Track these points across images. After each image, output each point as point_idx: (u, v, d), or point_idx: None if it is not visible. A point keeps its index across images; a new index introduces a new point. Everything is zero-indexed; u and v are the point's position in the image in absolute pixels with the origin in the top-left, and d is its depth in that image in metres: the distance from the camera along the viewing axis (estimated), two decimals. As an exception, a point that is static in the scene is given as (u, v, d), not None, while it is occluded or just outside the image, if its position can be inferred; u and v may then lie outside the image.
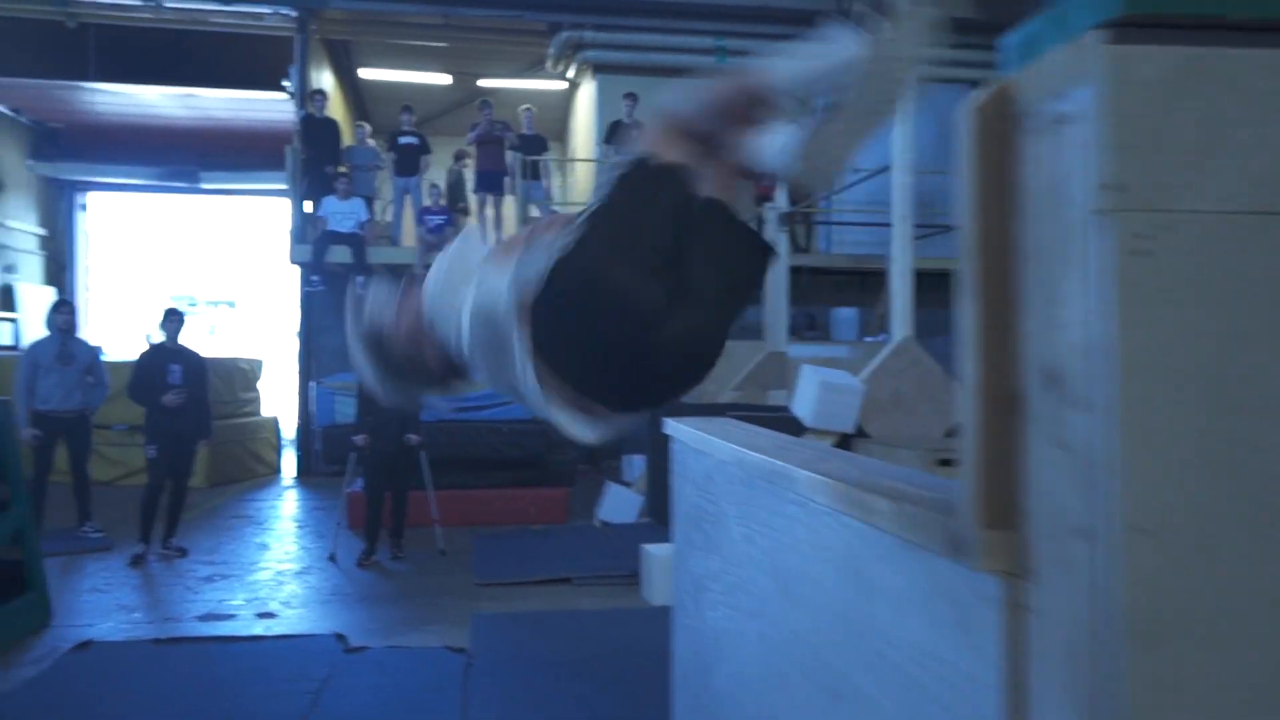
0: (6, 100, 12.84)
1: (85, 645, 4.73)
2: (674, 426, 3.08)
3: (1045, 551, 0.96)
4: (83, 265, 15.04)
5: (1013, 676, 1.01)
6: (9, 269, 13.07)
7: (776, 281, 8.83)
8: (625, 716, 4.03)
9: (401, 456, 6.85)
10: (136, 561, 6.51)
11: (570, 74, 13.71)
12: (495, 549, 7.05)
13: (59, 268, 14.35)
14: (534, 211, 11.61)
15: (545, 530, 7.88)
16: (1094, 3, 0.92)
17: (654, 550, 5.82)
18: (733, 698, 2.33)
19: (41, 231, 14.02)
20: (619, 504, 8.24)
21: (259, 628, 5.17)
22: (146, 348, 6.99)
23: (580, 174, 12.15)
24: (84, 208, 15.11)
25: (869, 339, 11.26)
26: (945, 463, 5.11)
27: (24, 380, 6.78)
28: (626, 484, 9.28)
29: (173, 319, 6.82)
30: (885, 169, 8.24)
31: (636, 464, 10.44)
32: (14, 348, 11.88)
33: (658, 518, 7.97)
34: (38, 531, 5.50)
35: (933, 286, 8.04)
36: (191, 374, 6.76)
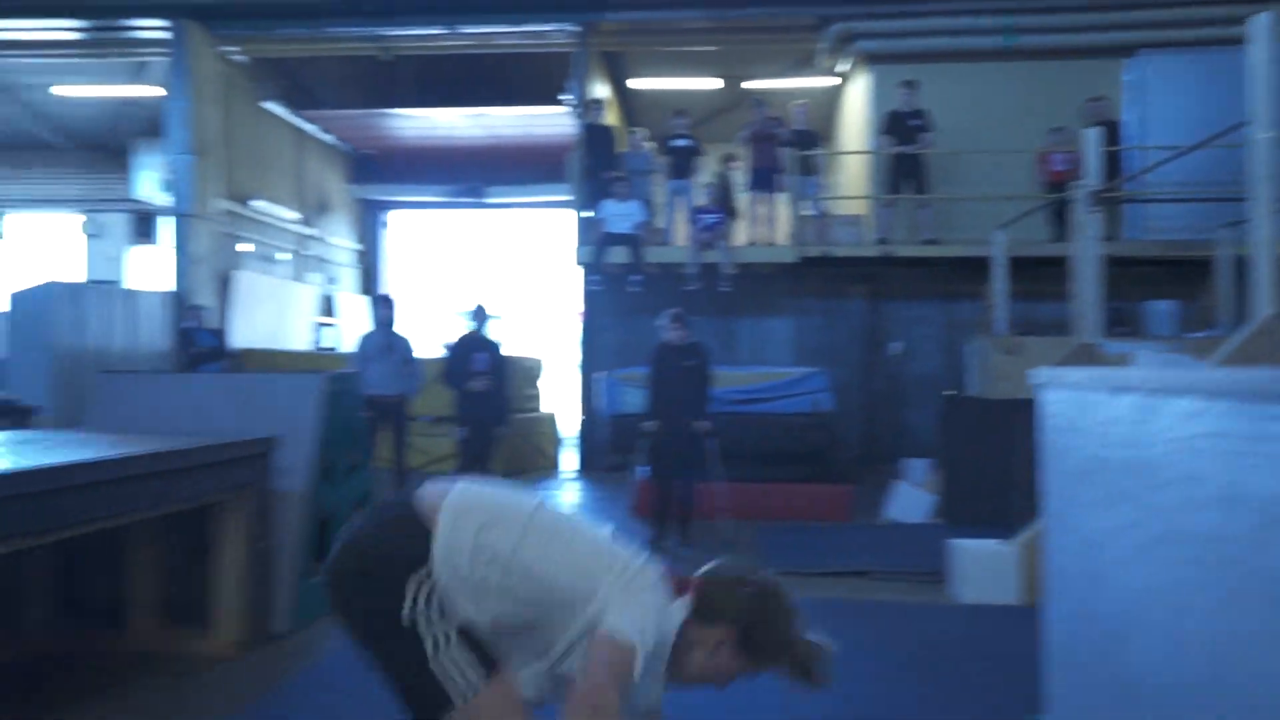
0: (334, 130, 14.45)
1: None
2: (1057, 374, 2.73)
3: None
4: (386, 277, 16.63)
5: None
6: (332, 280, 14.67)
7: (1086, 267, 7.97)
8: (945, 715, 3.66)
9: (690, 444, 6.82)
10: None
11: (842, 68, 13.36)
12: (783, 542, 6.84)
13: (369, 279, 15.95)
14: (807, 209, 11.39)
15: (832, 526, 7.56)
16: None
17: (966, 544, 5.36)
18: (1170, 663, 1.95)
19: (358, 247, 15.65)
20: (909, 503, 7.78)
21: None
22: (458, 338, 7.47)
23: (852, 169, 11.77)
24: (385, 225, 16.72)
25: (1193, 335, 9.94)
26: None
27: (357, 367, 7.47)
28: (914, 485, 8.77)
29: (481, 313, 7.24)
30: (1213, 139, 7.15)
31: (916, 467, 9.86)
32: (334, 350, 13.28)
33: (952, 518, 7.43)
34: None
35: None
36: (496, 363, 7.14)
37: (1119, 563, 2.23)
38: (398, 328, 7.90)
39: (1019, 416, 6.74)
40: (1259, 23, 5.30)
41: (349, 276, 15.48)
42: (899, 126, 11.24)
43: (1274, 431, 1.57)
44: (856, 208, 11.88)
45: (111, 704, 3.66)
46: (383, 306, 7.87)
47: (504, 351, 7.46)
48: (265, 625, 4.39)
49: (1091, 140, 8.13)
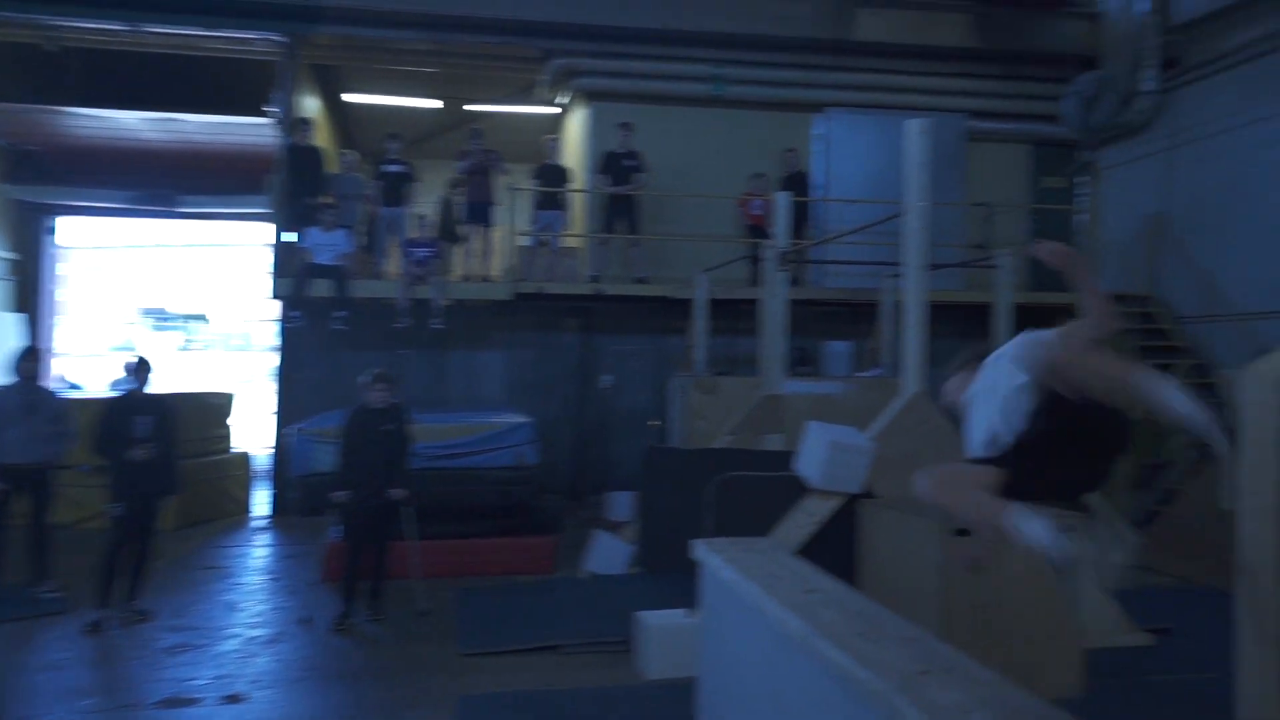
0: (-16, 122, 12.47)
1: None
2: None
3: None
4: (50, 289, 14.61)
5: None
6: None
7: (773, 319, 8.54)
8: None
9: (384, 510, 6.51)
10: (94, 629, 6.11)
11: (562, 100, 13.46)
12: (479, 609, 6.70)
13: (28, 294, 13.92)
14: (547, 242, 11.39)
15: (531, 584, 7.53)
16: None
17: (652, 619, 5.50)
18: None
19: (12, 256, 13.60)
20: (608, 554, 7.91)
21: (226, 718, 4.77)
22: (113, 397, 6.63)
23: (572, 203, 11.88)
24: (52, 231, 14.69)
25: (862, 374, 10.99)
26: (961, 533, 4.81)
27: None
28: (615, 525, 8.96)
29: (141, 368, 6.46)
30: (892, 206, 7.97)
31: (622, 500, 10.13)
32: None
33: (651, 566, 7.66)
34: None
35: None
36: (161, 426, 6.40)
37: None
38: (45, 381, 6.87)
39: (712, 466, 7.09)
40: (912, 126, 5.90)
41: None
42: (614, 166, 11.51)
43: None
44: (573, 243, 12.01)
45: None
46: (25, 360, 6.81)
47: (172, 408, 6.68)
48: None
49: (782, 202, 8.72)
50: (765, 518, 5.69)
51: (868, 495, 5.67)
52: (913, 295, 5.79)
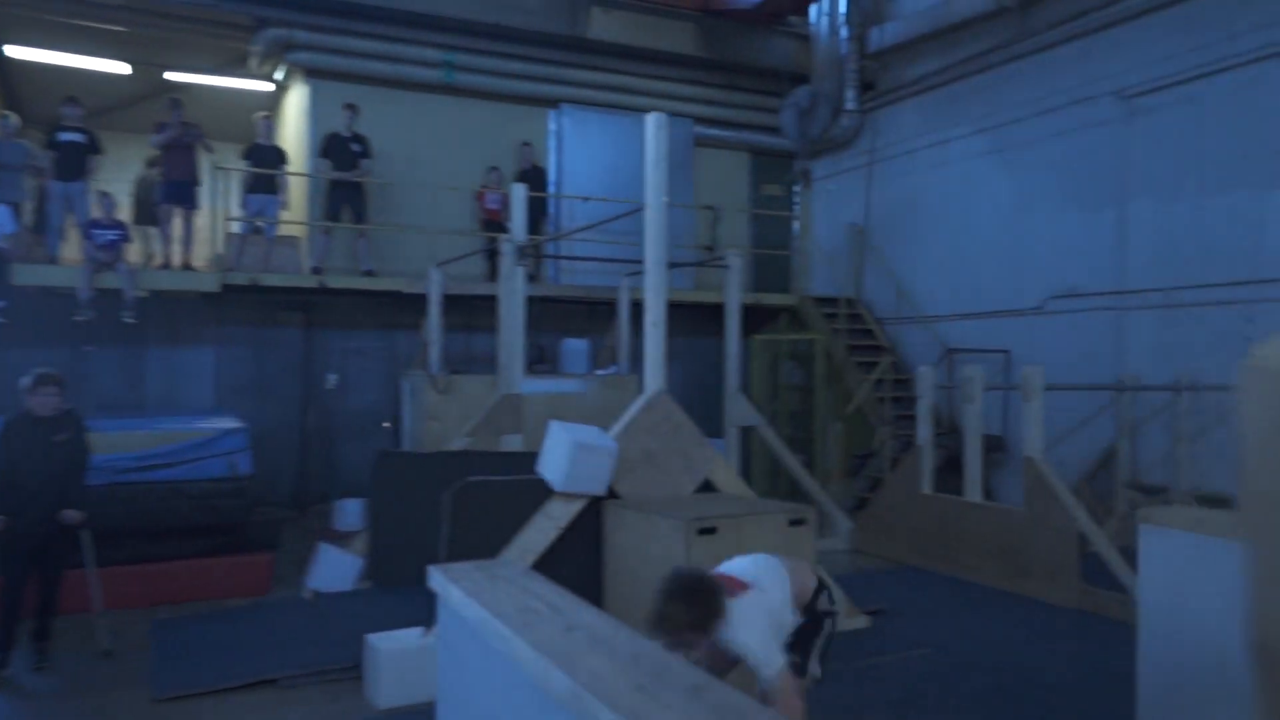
0: None
1: None
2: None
3: None
4: None
5: None
6: None
7: (511, 315, 8.28)
8: None
9: (54, 537, 5.51)
10: None
11: (278, 76, 12.35)
12: (178, 642, 5.87)
13: None
14: (260, 228, 10.33)
15: (243, 609, 6.75)
16: None
17: (382, 643, 5.04)
18: None
19: None
20: (333, 569, 7.28)
21: None
22: None
23: (291, 188, 10.88)
24: None
25: (600, 371, 11.03)
26: (706, 531, 4.83)
27: None
28: (342, 537, 8.28)
29: None
30: (633, 203, 7.98)
31: (350, 509, 9.42)
32: None
33: (383, 579, 7.13)
34: None
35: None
36: None
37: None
38: None
39: (448, 470, 6.70)
40: (652, 120, 5.86)
41: None
42: (338, 150, 10.71)
43: None
44: (293, 231, 11.04)
45: None
46: None
47: None
48: None
49: (518, 195, 8.46)
50: (506, 524, 5.42)
51: (612, 496, 5.57)
52: (653, 292, 5.76)
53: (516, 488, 5.49)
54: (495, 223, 11.40)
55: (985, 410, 8.35)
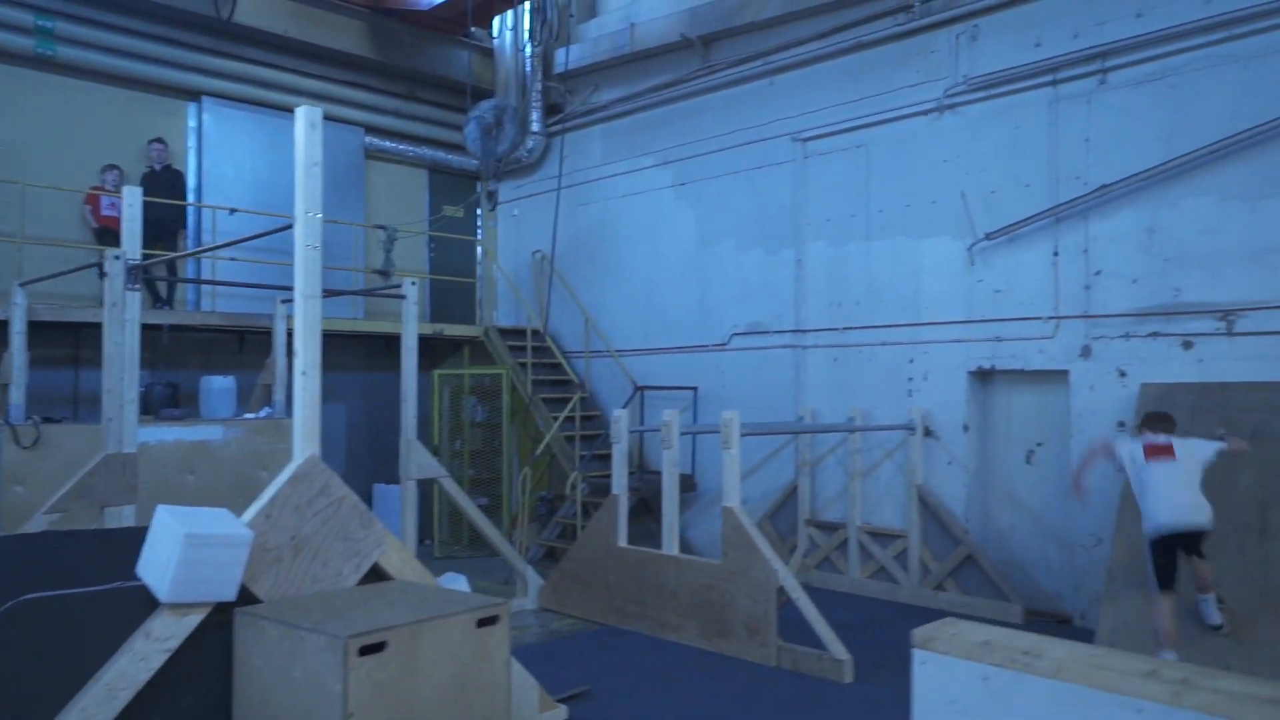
0: None
1: None
2: None
3: None
4: None
5: None
6: None
7: (120, 349, 6.50)
8: None
9: None
10: None
11: None
12: None
13: None
14: None
15: None
16: None
17: None
18: None
19: None
20: None
21: None
22: None
23: None
24: None
25: (250, 415, 9.34)
26: (370, 650, 3.72)
27: None
28: None
29: None
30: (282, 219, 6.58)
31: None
32: None
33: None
34: None
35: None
36: None
37: None
38: None
39: (20, 561, 4.93)
40: (302, 114, 4.64)
41: None
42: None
43: None
44: None
45: None
46: None
47: None
48: None
49: (132, 200, 6.70)
50: (90, 652, 3.92)
51: (248, 600, 4.25)
52: (304, 330, 4.54)
53: (103, 602, 3.99)
54: (113, 232, 9.32)
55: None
